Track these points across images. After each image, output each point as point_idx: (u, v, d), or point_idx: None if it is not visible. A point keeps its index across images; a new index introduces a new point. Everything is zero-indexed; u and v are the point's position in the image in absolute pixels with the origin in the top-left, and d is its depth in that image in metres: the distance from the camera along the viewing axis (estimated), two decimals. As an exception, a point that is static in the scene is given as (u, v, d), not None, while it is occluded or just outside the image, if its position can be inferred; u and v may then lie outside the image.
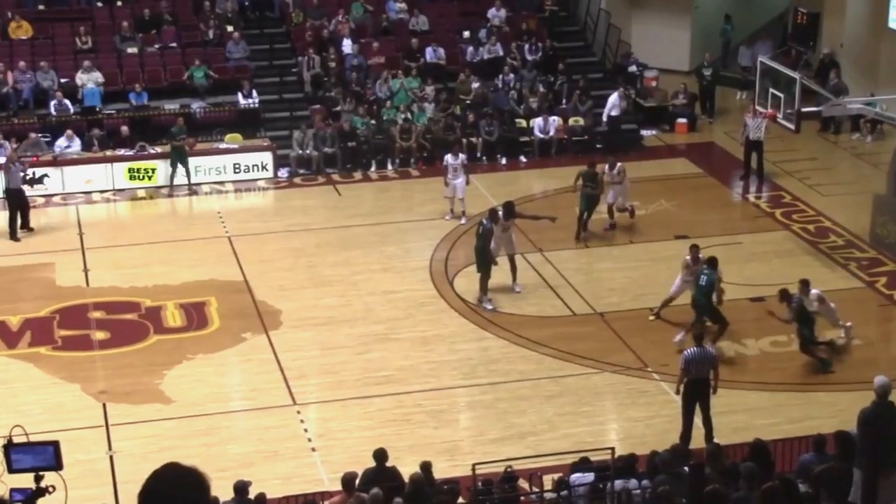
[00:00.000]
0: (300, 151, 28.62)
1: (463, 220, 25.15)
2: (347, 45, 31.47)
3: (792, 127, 24.63)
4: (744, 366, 19.63)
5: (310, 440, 17.67)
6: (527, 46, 32.09)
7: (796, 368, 19.55)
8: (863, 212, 24.67)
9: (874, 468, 13.46)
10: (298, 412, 18.43)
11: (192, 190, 27.48)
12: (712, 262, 20.04)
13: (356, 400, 18.70)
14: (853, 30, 32.31)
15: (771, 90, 24.78)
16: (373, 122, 29.44)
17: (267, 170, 28.33)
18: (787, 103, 24.22)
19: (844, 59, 31.80)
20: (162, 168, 27.73)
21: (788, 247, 23.46)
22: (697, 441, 16.58)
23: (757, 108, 26.11)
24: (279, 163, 28.48)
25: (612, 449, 15.48)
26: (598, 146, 29.99)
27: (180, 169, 27.42)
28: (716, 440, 16.17)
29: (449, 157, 25.65)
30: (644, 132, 30.70)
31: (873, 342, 20.62)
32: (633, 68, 32.74)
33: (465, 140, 29.17)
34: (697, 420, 17.05)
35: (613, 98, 29.99)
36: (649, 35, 34.43)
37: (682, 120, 31.53)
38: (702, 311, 19.85)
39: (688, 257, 20.89)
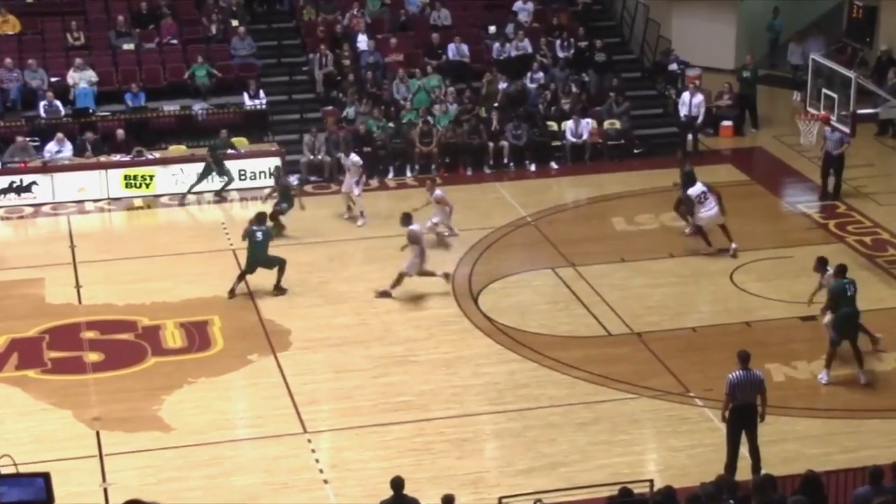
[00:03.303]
0: (311, 157, 28.80)
1: (360, 223, 25.75)
2: (363, 42, 31.66)
3: (847, 130, 24.68)
4: (794, 390, 19.64)
5: (322, 471, 17.74)
6: (558, 43, 32.23)
7: (851, 394, 19.56)
8: (925, 223, 24.74)
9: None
10: (309, 441, 18.52)
11: (221, 196, 27.73)
12: (842, 270, 20.02)
13: (372, 427, 18.78)
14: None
15: (824, 91, 24.82)
16: (390, 124, 29.60)
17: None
18: (842, 105, 24.26)
19: (905, 57, 31.81)
20: (161, 174, 27.93)
21: (843, 261, 23.36)
22: (743, 472, 16.60)
23: (809, 109, 26.13)
24: (288, 169, 28.61)
25: (651, 481, 15.54)
26: (635, 151, 30.12)
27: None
28: (764, 471, 16.19)
29: (342, 156, 27.11)
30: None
31: (935, 365, 20.64)
32: (673, 66, 32.82)
33: (491, 144, 29.33)
34: (744, 450, 17.07)
35: (684, 96, 30.20)
36: (691, 30, 34.51)
37: (726, 123, 31.59)
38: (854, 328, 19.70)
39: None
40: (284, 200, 25.71)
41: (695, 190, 24.43)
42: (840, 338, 19.67)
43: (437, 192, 25.16)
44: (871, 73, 31.38)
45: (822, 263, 20.58)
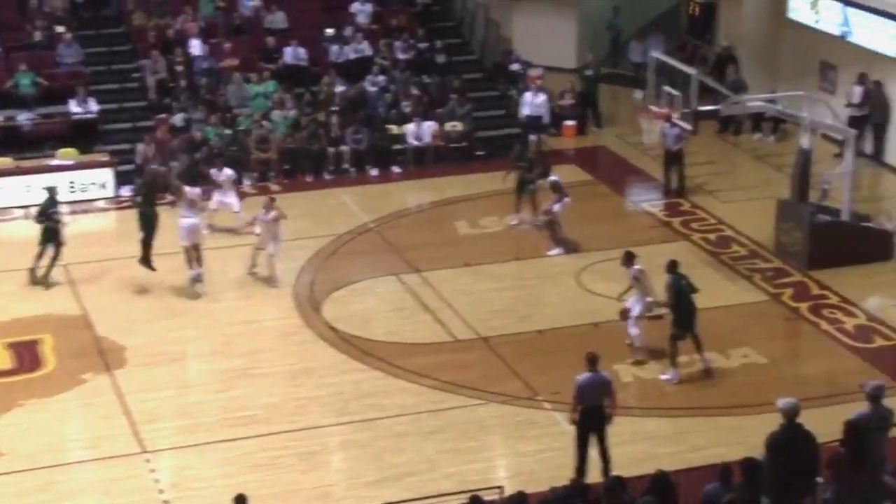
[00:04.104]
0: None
1: (256, 231, 24.64)
2: (196, 46, 31.30)
3: (689, 127, 25.12)
4: (642, 390, 19.97)
5: (162, 491, 17.52)
6: (397, 44, 32.26)
7: (699, 392, 19.96)
8: (766, 218, 25.27)
9: (784, 496, 13.81)
10: (148, 460, 18.26)
11: None
12: (674, 265, 20.49)
13: (215, 444, 18.60)
14: (751, 21, 33.09)
15: (665, 88, 25.23)
16: (227, 131, 29.30)
17: (107, 189, 28.07)
18: (683, 102, 24.69)
19: (743, 53, 32.54)
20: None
21: (688, 259, 23.82)
22: (595, 475, 16.78)
23: (650, 108, 26.53)
24: (121, 180, 28.23)
25: (501, 488, 15.63)
26: (478, 153, 30.27)
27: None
28: (614, 473, 16.37)
29: (214, 171, 26.48)
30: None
31: (779, 360, 21.12)
32: (515, 66, 33.10)
33: (331, 150, 29.22)
34: (594, 452, 17.26)
35: (526, 96, 30.46)
36: (532, 30, 34.86)
37: (569, 122, 31.95)
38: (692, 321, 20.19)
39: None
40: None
41: (556, 177, 25.26)
42: (680, 332, 20.09)
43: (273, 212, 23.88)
44: (711, 69, 32.05)
45: (629, 258, 20.96)
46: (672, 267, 20.44)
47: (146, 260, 23.50)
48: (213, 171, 26.60)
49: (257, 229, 23.86)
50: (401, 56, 32.11)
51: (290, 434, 18.86)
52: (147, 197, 23.99)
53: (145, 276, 23.80)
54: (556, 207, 24.87)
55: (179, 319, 22.45)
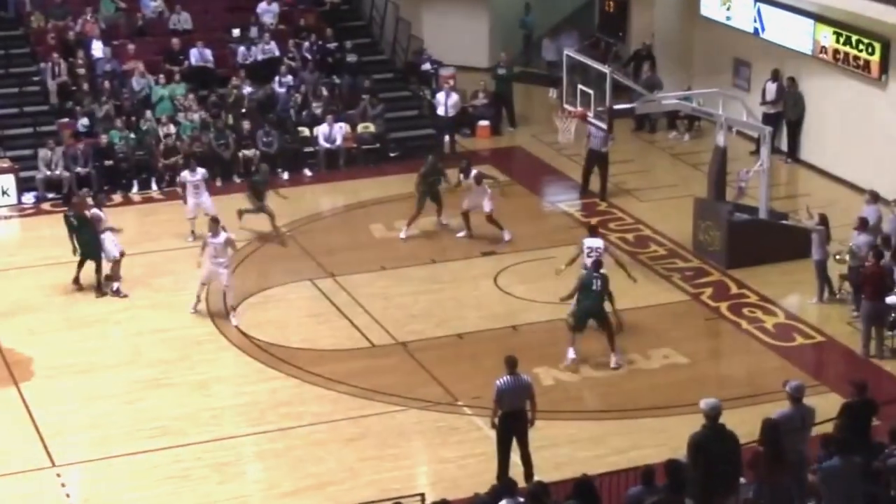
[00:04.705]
0: (48, 173, 28.13)
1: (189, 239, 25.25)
2: (98, 48, 31.04)
3: (604, 126, 25.29)
4: (563, 393, 20.11)
5: (73, 507, 17.39)
6: (306, 45, 32.22)
7: (620, 394, 20.14)
8: (684, 217, 25.56)
9: (707, 497, 14.01)
10: (58, 475, 18.09)
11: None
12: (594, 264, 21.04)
13: (126, 457, 18.47)
14: (664, 19, 33.43)
15: (580, 87, 25.37)
16: (132, 136, 29.07)
17: (9, 195, 27.81)
18: (598, 101, 24.85)
19: (657, 51, 32.86)
20: None
21: (607, 259, 24.05)
22: (517, 480, 16.83)
23: (566, 107, 26.66)
24: (23, 187, 28.00)
25: (422, 495, 15.67)
26: (391, 155, 30.32)
27: None
28: (536, 477, 16.50)
29: (186, 174, 25.95)
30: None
31: (700, 360, 21.37)
32: (426, 66, 33.19)
33: (241, 153, 29.10)
34: (515, 457, 17.35)
35: (439, 96, 30.56)
36: (443, 29, 34.97)
37: (483, 122, 32.09)
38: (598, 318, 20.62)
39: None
40: None
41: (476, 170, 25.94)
42: (578, 326, 20.59)
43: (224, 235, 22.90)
44: (625, 65, 32.33)
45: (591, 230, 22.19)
46: (594, 264, 20.91)
47: (77, 280, 23.59)
48: (184, 173, 26.07)
49: (204, 258, 22.69)
50: (309, 56, 32.04)
51: (203, 445, 18.77)
52: (81, 223, 23.54)
53: (51, 285, 23.61)
54: (487, 204, 25.30)
55: (87, 329, 22.28)
